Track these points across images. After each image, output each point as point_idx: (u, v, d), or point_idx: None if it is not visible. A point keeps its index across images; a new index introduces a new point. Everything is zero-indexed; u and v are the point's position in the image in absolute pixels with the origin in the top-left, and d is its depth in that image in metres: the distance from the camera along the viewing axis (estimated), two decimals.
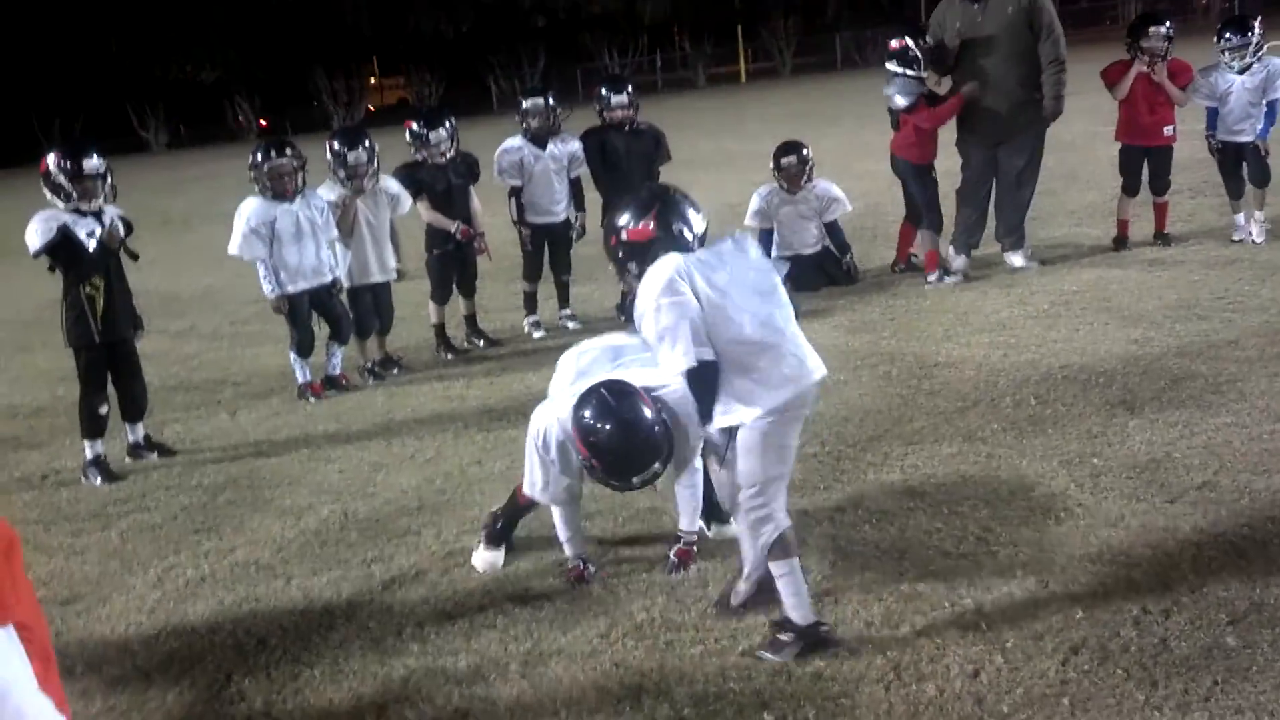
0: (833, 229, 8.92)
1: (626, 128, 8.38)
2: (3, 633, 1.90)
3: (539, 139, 8.22)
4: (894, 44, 8.73)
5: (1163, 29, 8.65)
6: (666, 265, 3.61)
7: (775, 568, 3.73)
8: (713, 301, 3.57)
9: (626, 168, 8.24)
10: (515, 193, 8.25)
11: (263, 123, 45.08)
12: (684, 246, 3.70)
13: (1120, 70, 8.77)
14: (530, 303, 8.53)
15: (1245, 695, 3.28)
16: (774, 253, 8.65)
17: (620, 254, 3.81)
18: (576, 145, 8.34)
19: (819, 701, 3.48)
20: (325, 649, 4.13)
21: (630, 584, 4.33)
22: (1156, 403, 5.56)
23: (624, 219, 3.77)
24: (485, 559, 4.63)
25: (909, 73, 8.57)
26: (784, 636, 3.72)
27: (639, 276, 3.68)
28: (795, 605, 3.71)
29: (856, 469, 5.20)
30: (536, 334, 8.42)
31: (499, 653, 3.96)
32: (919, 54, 8.52)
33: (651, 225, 3.71)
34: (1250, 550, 4.08)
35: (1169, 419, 5.33)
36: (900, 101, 8.61)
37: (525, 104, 8.33)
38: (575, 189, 8.43)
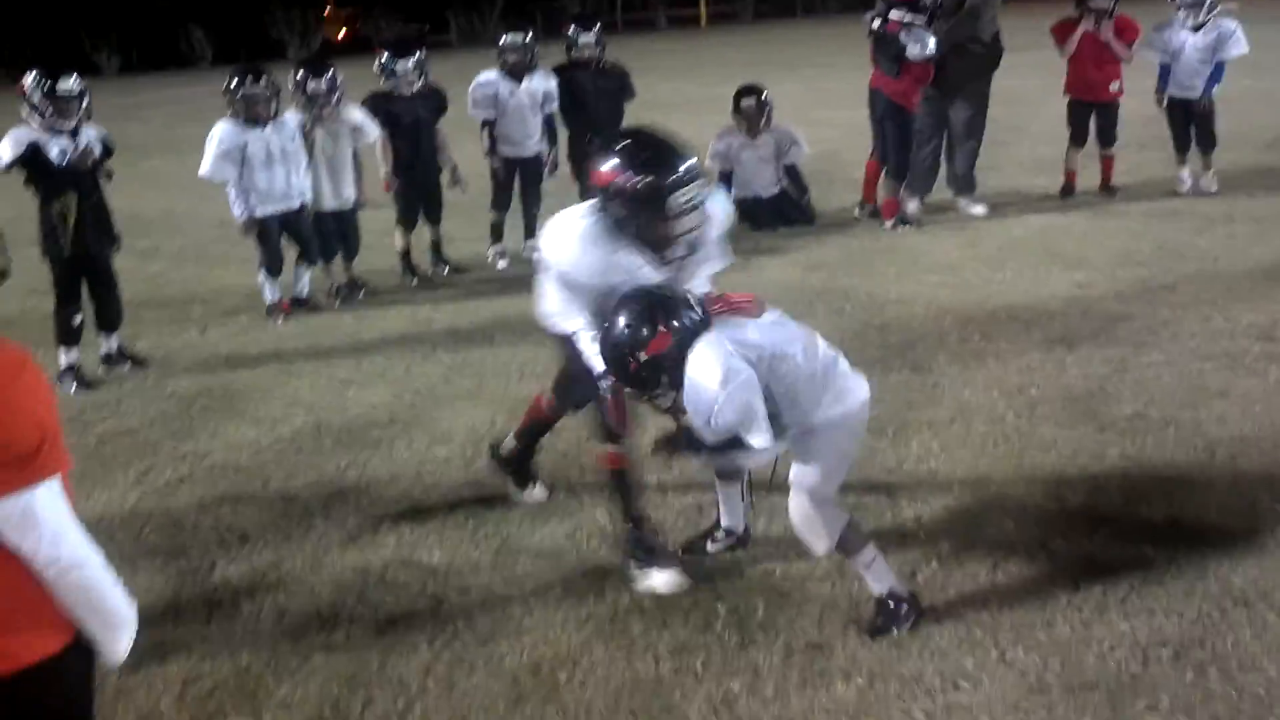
0: (791, 171, 9.14)
1: (593, 67, 8.54)
2: (55, 483, 2.09)
3: (515, 74, 8.36)
4: None
5: None
6: (709, 352, 3.23)
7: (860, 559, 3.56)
8: (761, 357, 3.28)
9: (594, 106, 8.42)
10: (488, 125, 8.39)
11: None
12: (699, 328, 3.31)
13: (1068, 29, 9.05)
14: (496, 232, 8.70)
15: (1158, 599, 3.59)
16: (733, 193, 8.87)
17: (645, 377, 3.35)
18: (552, 83, 8.49)
19: (769, 595, 3.76)
20: (305, 543, 4.36)
21: (594, 491, 4.58)
22: (1094, 341, 5.88)
23: (631, 340, 3.32)
24: (533, 495, 4.58)
25: (915, 20, 8.37)
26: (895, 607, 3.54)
27: (677, 386, 3.30)
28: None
29: None
30: (501, 263, 8.61)
31: (470, 549, 4.22)
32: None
33: (662, 331, 3.29)
34: (1172, 474, 4.41)
35: (1104, 355, 5.66)
36: (927, 50, 8.30)
37: (504, 39, 8.44)
38: (549, 124, 8.58)
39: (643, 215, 3.54)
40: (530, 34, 8.49)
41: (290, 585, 4.07)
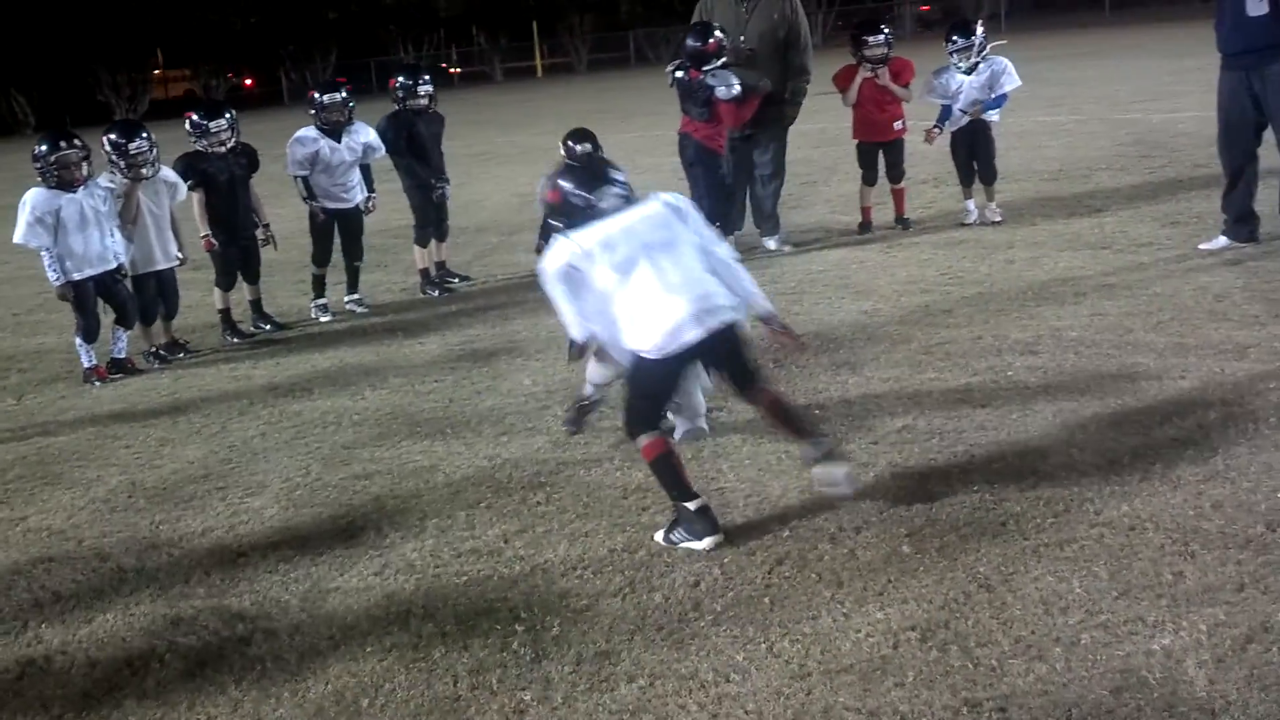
0: None
1: (428, 113, 8.88)
2: None
3: (334, 131, 8.57)
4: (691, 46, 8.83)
5: (881, 38, 9.54)
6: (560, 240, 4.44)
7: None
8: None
9: (428, 150, 8.92)
10: (302, 178, 8.58)
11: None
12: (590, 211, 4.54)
13: (848, 76, 9.64)
14: (319, 286, 8.85)
15: (911, 589, 3.96)
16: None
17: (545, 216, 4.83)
18: (372, 133, 8.76)
19: (564, 613, 4.03)
20: (117, 598, 4.47)
21: (404, 529, 4.79)
22: (875, 363, 6.33)
23: (547, 180, 4.70)
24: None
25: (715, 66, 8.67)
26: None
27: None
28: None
29: (611, 424, 5.76)
30: (323, 317, 8.76)
31: (280, 592, 4.39)
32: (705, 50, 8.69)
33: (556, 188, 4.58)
34: (933, 477, 4.82)
35: (882, 375, 6.11)
36: (734, 90, 8.60)
37: (323, 99, 8.64)
38: (366, 173, 8.89)
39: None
40: (347, 91, 8.73)
41: (102, 638, 4.18)
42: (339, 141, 8.58)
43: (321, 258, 8.80)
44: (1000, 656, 3.53)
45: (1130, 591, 3.77)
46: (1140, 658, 3.41)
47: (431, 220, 9.09)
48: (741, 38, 9.16)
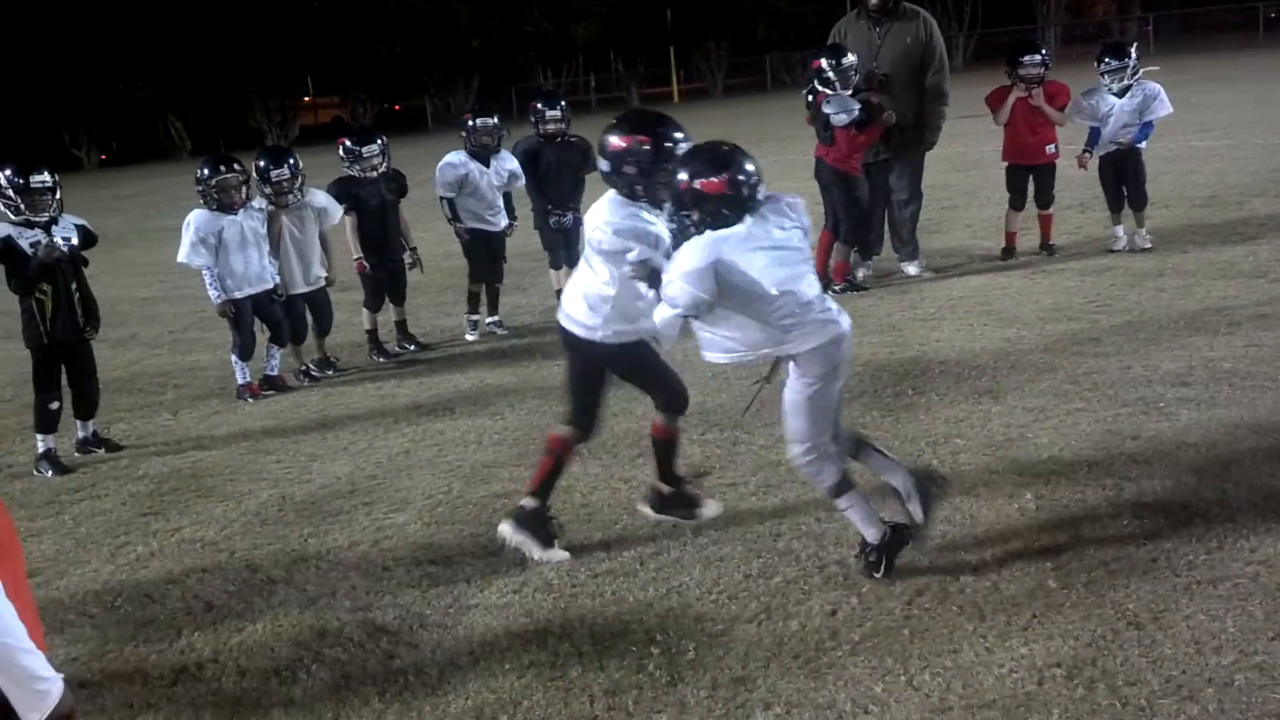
0: None
1: (559, 140, 8.97)
2: None
3: (483, 156, 8.77)
4: (815, 64, 8.93)
5: (1037, 57, 9.39)
6: (703, 243, 4.11)
7: (840, 503, 4.33)
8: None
9: (556, 177, 8.93)
10: (447, 200, 8.80)
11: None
12: (743, 207, 4.20)
13: (1000, 96, 9.49)
14: (473, 301, 9.06)
15: (1057, 625, 3.87)
16: None
17: (685, 202, 4.20)
18: (515, 163, 8.94)
19: (699, 637, 4.03)
20: (266, 609, 4.62)
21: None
22: (1019, 392, 6.20)
23: (698, 169, 4.21)
24: (552, 556, 4.76)
25: (836, 90, 8.72)
26: (872, 557, 4.30)
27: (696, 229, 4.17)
28: (866, 526, 4.31)
29: (750, 451, 5.77)
30: (470, 335, 8.94)
31: (422, 607, 4.48)
32: (832, 74, 8.75)
33: (721, 179, 4.15)
34: (1080, 511, 4.70)
35: (1027, 405, 5.97)
36: (852, 114, 8.67)
37: (475, 123, 8.88)
38: (508, 200, 9.09)
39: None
40: (497, 117, 8.92)
41: (251, 647, 4.32)
42: (487, 166, 8.77)
43: (477, 274, 9.02)
44: (1150, 696, 3.42)
45: None
46: None
47: (558, 244, 9.16)
48: (874, 63, 9.09)
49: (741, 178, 4.16)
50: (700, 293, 4.07)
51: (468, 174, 8.73)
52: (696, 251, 4.10)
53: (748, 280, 4.07)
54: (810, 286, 4.21)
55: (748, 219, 4.17)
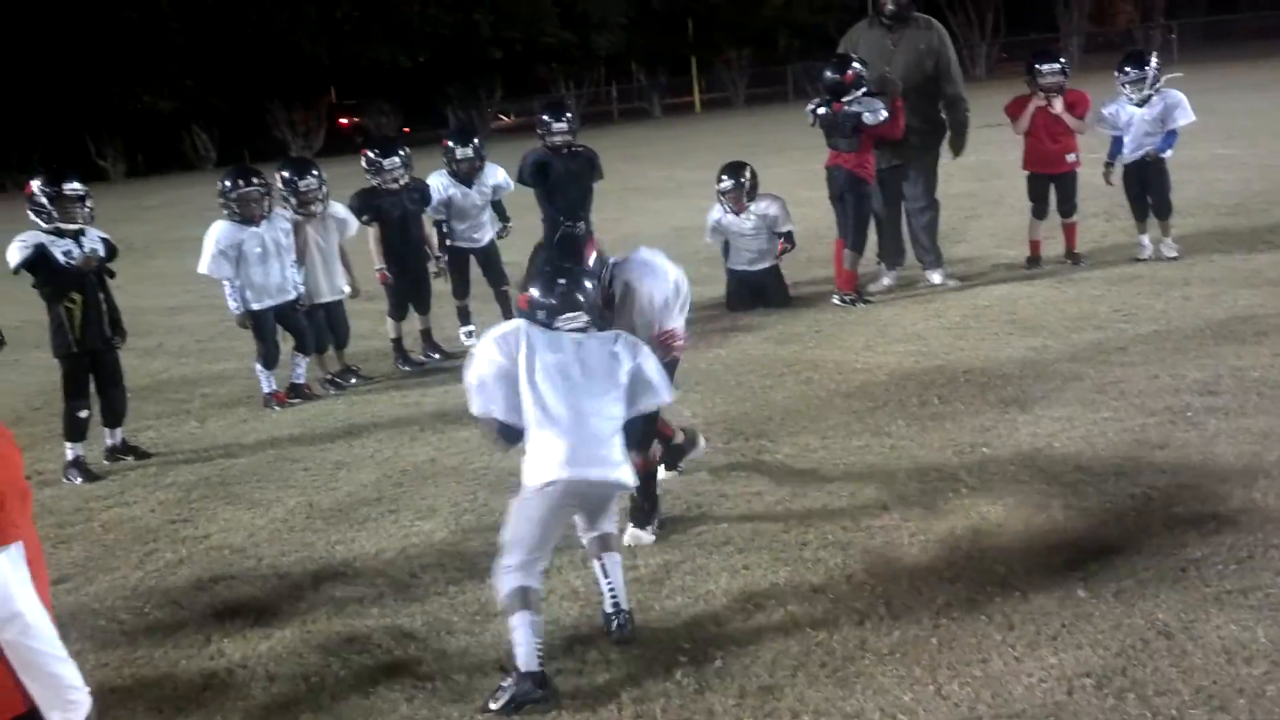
0: (790, 238, 9.42)
1: (566, 150, 9.00)
2: (14, 549, 2.35)
3: (465, 179, 8.88)
4: (848, 77, 8.77)
5: (1056, 65, 9.36)
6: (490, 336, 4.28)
7: (512, 620, 3.85)
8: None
9: (564, 188, 8.99)
10: (440, 223, 8.94)
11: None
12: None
13: (1020, 105, 9.47)
14: (463, 315, 9.17)
15: (1086, 634, 3.85)
16: (729, 263, 9.46)
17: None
18: (500, 175, 9.04)
19: (727, 646, 4.03)
20: (294, 615, 4.64)
21: (568, 555, 4.85)
22: (1045, 401, 6.18)
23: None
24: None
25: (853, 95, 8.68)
26: (504, 683, 3.80)
27: None
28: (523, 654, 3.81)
29: (774, 459, 5.78)
30: (469, 342, 8.97)
31: (449, 614, 4.50)
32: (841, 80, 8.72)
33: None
34: (1108, 521, 4.68)
35: (1054, 414, 5.95)
36: (880, 115, 8.59)
37: (457, 152, 8.94)
38: (498, 207, 9.21)
39: None
40: (478, 142, 9.01)
41: (280, 653, 4.34)
42: (470, 187, 8.87)
43: (459, 290, 9.15)
44: (1180, 706, 3.41)
45: None
46: None
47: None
48: (887, 68, 9.08)
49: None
50: None
51: (450, 198, 8.85)
52: None
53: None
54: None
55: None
